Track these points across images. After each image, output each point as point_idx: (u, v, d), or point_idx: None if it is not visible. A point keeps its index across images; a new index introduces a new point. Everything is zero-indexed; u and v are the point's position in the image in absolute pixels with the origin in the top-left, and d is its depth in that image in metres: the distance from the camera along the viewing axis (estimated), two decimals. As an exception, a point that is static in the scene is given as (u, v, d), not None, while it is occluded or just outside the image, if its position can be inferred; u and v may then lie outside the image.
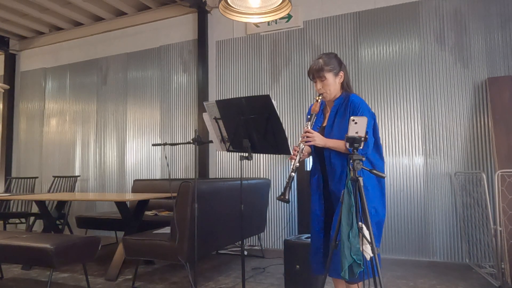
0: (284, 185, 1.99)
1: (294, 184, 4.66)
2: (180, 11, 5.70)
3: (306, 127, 2.04)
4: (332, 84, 2.09)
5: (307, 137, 2.00)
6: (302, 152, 2.02)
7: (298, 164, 2.01)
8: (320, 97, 2.10)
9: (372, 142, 2.02)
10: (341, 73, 2.12)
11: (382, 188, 2.08)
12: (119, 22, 6.18)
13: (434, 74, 4.28)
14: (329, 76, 2.08)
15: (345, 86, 2.14)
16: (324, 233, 2.13)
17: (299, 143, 2.03)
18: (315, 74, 2.09)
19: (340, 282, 2.10)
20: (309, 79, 2.21)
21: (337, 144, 2.00)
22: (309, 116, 2.09)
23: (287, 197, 1.96)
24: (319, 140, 2.01)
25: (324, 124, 2.15)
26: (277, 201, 4.91)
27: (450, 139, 4.16)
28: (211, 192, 3.34)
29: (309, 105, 4.91)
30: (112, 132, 6.15)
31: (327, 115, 2.16)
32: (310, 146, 2.13)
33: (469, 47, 4.16)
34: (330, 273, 1.96)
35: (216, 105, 2.47)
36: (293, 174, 1.99)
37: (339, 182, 2.03)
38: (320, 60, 2.09)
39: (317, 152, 2.15)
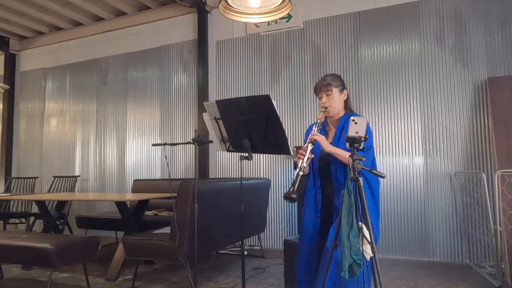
0: (291, 184, 1.98)
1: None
2: (180, 11, 5.70)
3: (313, 132, 2.11)
4: (337, 99, 2.20)
5: (314, 135, 2.07)
6: (310, 153, 2.06)
7: (305, 165, 2.04)
8: (324, 110, 2.19)
9: (371, 159, 2.07)
10: (345, 91, 2.25)
11: (376, 207, 2.10)
12: (119, 22, 6.18)
13: (434, 74, 4.28)
14: (335, 91, 2.20)
15: (348, 106, 2.27)
16: (317, 254, 2.12)
17: (307, 144, 2.07)
18: (323, 88, 2.20)
19: None
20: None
21: (342, 152, 2.05)
22: (314, 127, 2.15)
23: (295, 195, 1.94)
24: (324, 143, 2.08)
25: (329, 142, 2.20)
26: (277, 201, 4.91)
27: (450, 139, 4.16)
28: (211, 192, 3.34)
29: (309, 105, 4.92)
30: (112, 132, 6.15)
31: (330, 133, 2.25)
32: (311, 165, 2.19)
33: (469, 47, 4.16)
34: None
35: (216, 105, 2.47)
36: (301, 173, 1.99)
37: None
38: (327, 77, 2.23)
39: (322, 169, 2.19)
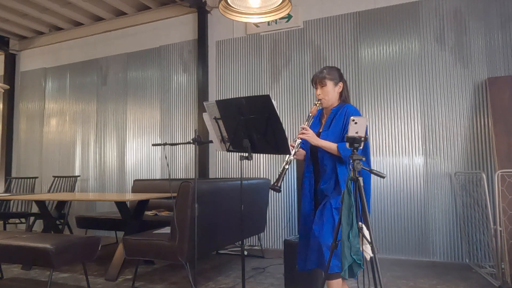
0: (277, 177, 2.11)
1: (294, 184, 4.67)
2: (180, 11, 5.70)
3: (304, 125, 2.24)
4: (331, 92, 2.30)
5: (303, 133, 2.18)
6: (298, 147, 2.19)
7: (292, 158, 2.18)
8: (319, 102, 2.31)
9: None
10: (341, 84, 2.34)
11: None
12: (119, 22, 6.18)
13: (434, 74, 4.27)
14: (329, 84, 2.30)
15: (343, 97, 2.35)
16: (311, 232, 2.23)
17: (296, 138, 2.21)
18: (318, 80, 2.31)
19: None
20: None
21: (329, 145, 2.17)
22: (305, 121, 2.29)
23: (279, 186, 2.08)
24: (313, 137, 2.19)
25: (321, 130, 2.33)
26: (277, 201, 4.91)
27: (450, 139, 4.16)
28: (211, 192, 3.34)
29: (309, 105, 4.92)
30: (112, 132, 6.15)
31: (323, 121, 2.36)
32: (305, 149, 2.34)
33: (469, 47, 4.16)
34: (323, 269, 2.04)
35: (216, 105, 2.47)
36: (286, 166, 2.14)
37: (328, 182, 2.19)
38: (324, 70, 2.34)
39: (312, 154, 2.32)
